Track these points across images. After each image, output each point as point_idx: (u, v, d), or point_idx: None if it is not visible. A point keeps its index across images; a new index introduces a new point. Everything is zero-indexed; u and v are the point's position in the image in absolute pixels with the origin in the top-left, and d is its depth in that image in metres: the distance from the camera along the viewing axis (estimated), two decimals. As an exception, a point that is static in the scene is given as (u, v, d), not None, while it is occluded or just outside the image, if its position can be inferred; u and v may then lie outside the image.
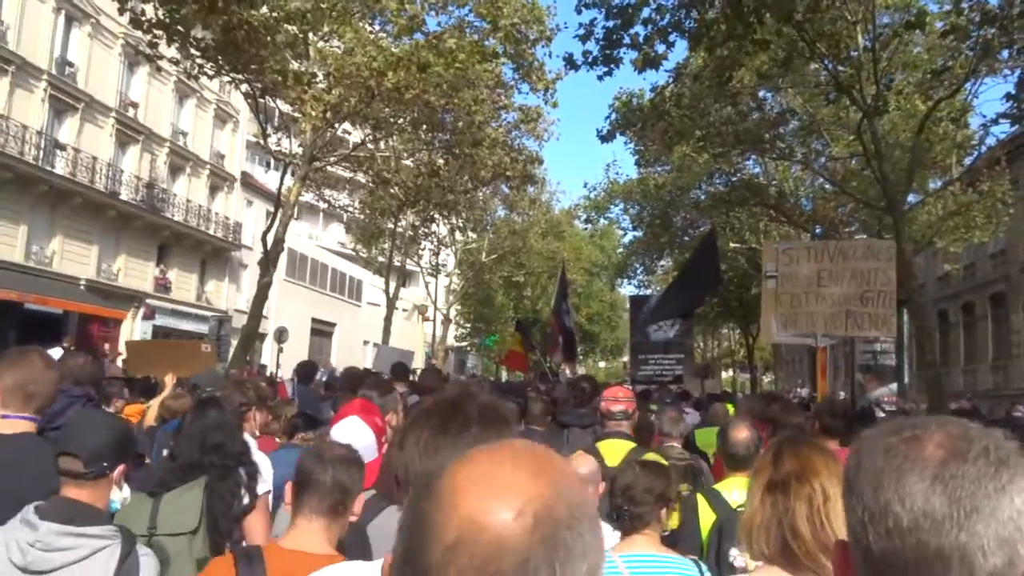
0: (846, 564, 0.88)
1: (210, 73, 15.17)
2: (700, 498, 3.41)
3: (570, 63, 9.36)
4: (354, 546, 2.14)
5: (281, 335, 23.88)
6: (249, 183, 33.88)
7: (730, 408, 9.49)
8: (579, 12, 8.78)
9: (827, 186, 21.37)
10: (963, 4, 11.50)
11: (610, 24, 8.74)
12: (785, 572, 1.72)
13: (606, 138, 15.15)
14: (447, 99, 13.74)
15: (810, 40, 12.77)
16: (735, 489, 3.39)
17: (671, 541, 3.24)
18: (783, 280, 7.76)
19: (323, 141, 17.39)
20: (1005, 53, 14.99)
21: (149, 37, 13.62)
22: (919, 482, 0.80)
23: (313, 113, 14.73)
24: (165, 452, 3.60)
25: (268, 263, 16.24)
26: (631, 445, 4.20)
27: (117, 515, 2.67)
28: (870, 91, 13.58)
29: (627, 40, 9.33)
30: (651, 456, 4.07)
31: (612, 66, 9.34)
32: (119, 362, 13.32)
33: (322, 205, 31.05)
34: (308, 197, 31.59)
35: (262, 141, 16.35)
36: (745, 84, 15.57)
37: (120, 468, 2.24)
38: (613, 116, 15.08)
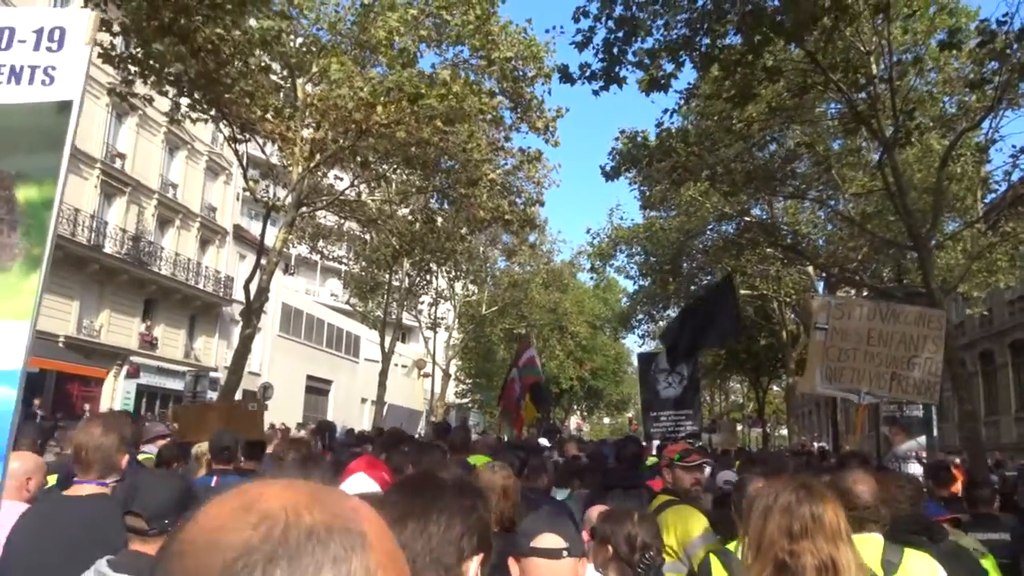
0: None
1: (192, 116, 14.47)
2: (713, 559, 3.15)
3: (565, 76, 8.45)
4: None
5: (266, 391, 22.62)
6: (242, 236, 33.06)
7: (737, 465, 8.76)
8: (576, 20, 7.90)
9: (841, 228, 20.48)
10: (992, 26, 10.72)
11: (611, 36, 7.85)
12: None
13: (610, 175, 14.28)
14: (441, 135, 12.85)
15: (823, 68, 12.04)
16: None
17: None
18: (832, 333, 7.76)
19: (311, 186, 16.54)
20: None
21: (123, 75, 12.94)
22: None
23: (298, 153, 13.90)
24: None
25: (250, 314, 15.15)
26: (663, 499, 4.24)
27: None
28: (887, 122, 12.81)
29: (631, 56, 8.46)
30: (676, 509, 4.07)
31: (613, 84, 8.43)
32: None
33: (315, 258, 30.15)
34: (303, 250, 30.74)
35: (244, 182, 15.45)
36: (756, 118, 14.77)
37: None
38: (616, 153, 14.21)
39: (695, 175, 15.37)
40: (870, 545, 2.85)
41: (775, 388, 42.14)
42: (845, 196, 19.28)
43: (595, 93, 8.35)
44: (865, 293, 26.36)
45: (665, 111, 13.44)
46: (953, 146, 13.77)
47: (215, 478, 4.90)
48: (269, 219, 16.43)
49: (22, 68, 3.04)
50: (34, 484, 3.51)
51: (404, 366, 47.50)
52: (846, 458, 7.71)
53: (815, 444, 29.51)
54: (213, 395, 20.67)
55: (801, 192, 17.69)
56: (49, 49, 3.06)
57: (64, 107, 2.99)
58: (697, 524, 3.95)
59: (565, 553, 2.16)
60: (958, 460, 13.39)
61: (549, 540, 2.17)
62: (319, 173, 17.31)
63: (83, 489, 2.77)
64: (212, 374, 26.08)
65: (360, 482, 3.71)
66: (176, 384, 27.20)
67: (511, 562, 2.27)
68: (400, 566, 0.64)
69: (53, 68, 3.03)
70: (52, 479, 3.55)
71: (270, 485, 0.63)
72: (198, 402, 19.93)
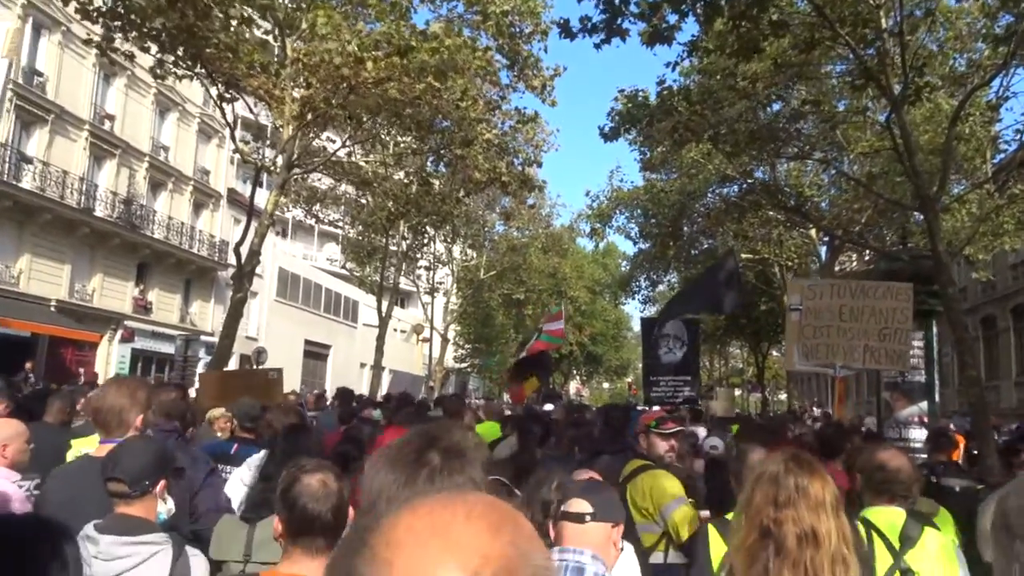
0: None
1: (177, 73, 14.02)
2: (711, 528, 3.19)
3: (565, 31, 8.04)
4: None
5: (260, 355, 22.37)
6: (236, 200, 32.56)
7: (734, 430, 9.09)
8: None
9: (845, 190, 20.07)
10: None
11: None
12: None
13: (609, 136, 13.83)
14: (434, 92, 12.39)
15: (831, 23, 11.57)
16: None
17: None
18: (806, 313, 8.26)
19: (303, 148, 16.11)
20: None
21: (103, 31, 12.49)
22: None
23: (288, 112, 13.45)
24: (248, 471, 4.09)
25: (242, 277, 14.86)
26: (637, 463, 4.42)
27: (214, 538, 2.90)
28: (895, 80, 12.38)
29: (634, 7, 8.02)
30: (651, 473, 4.24)
31: (615, 36, 8.02)
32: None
33: (311, 222, 29.76)
34: (298, 214, 30.34)
35: (232, 142, 15.03)
36: (760, 75, 14.30)
37: (161, 484, 2.59)
38: (616, 114, 13.74)
39: (697, 135, 14.92)
40: (892, 518, 2.90)
41: (775, 353, 41.94)
42: (850, 157, 18.86)
43: (596, 47, 7.93)
44: (867, 256, 26.04)
45: (667, 64, 13.03)
46: (964, 103, 13.35)
47: (236, 445, 5.12)
48: (262, 181, 16.07)
49: None
50: (11, 451, 3.52)
51: (403, 331, 47.35)
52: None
53: (815, 409, 29.44)
54: (208, 359, 20.45)
55: (806, 153, 17.26)
56: None
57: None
58: (671, 487, 4.15)
59: (588, 518, 2.34)
60: (952, 425, 13.32)
61: (576, 505, 2.38)
62: (311, 134, 16.87)
63: (105, 449, 2.89)
64: (207, 338, 25.80)
65: None
66: (171, 348, 26.94)
67: (549, 525, 2.53)
68: None
69: None
70: (95, 442, 3.59)
71: (477, 530, 0.58)
72: (186, 367, 19.72)
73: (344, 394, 11.36)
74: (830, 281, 13.83)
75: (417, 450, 1.41)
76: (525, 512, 2.89)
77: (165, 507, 2.86)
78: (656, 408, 10.73)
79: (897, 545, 2.77)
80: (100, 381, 19.60)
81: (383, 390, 21.72)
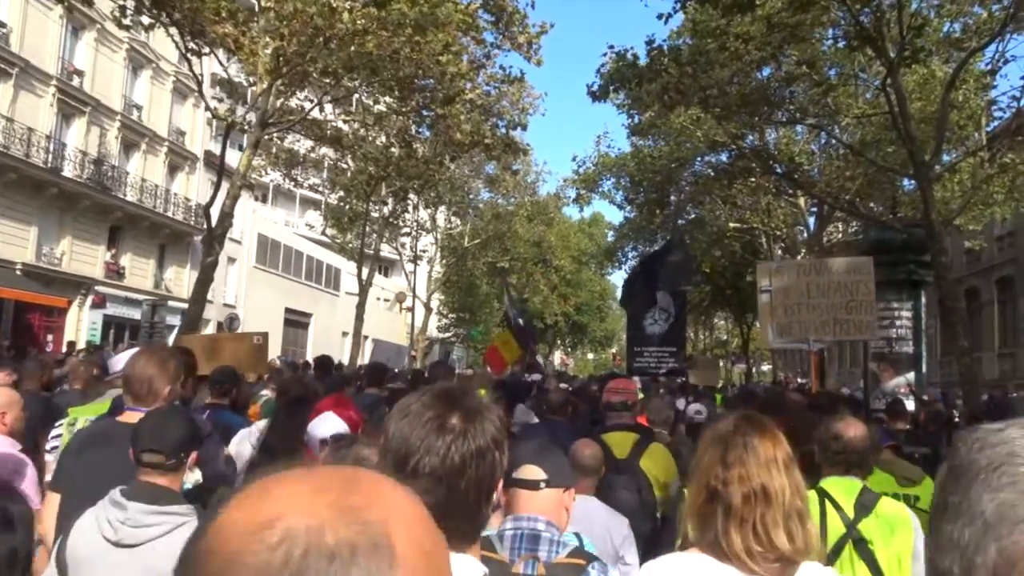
0: None
1: (143, 22, 13.32)
2: (687, 493, 2.97)
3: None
4: None
5: (232, 322, 21.80)
6: (213, 163, 31.63)
7: (719, 399, 9.53)
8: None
9: (836, 157, 19.68)
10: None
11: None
12: (709, 556, 1.78)
13: (598, 96, 13.34)
14: (413, 46, 11.78)
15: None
16: None
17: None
18: (776, 293, 8.68)
19: (278, 105, 15.44)
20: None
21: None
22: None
23: (261, 68, 12.79)
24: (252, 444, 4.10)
25: (212, 240, 14.32)
26: (635, 436, 4.22)
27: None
28: (891, 43, 11.97)
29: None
30: (656, 447, 4.19)
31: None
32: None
33: (289, 186, 29.03)
34: (278, 178, 29.57)
35: (201, 97, 14.37)
36: (753, 35, 13.79)
37: (193, 456, 2.64)
38: (606, 69, 13.21)
39: (687, 97, 14.46)
40: (848, 489, 2.94)
41: (759, 325, 41.88)
42: (841, 125, 18.45)
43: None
44: (853, 227, 25.77)
45: (659, 16, 12.49)
46: (961, 67, 12.97)
47: (207, 412, 5.12)
48: (241, 145, 15.41)
49: None
50: (10, 418, 3.65)
51: (386, 300, 46.83)
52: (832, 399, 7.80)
53: (798, 380, 29.36)
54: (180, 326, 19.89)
55: (797, 118, 16.82)
56: None
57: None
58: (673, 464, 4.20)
59: (543, 484, 2.27)
60: (925, 397, 13.20)
61: (528, 472, 2.29)
62: (288, 92, 16.22)
63: (133, 417, 2.96)
64: (181, 304, 25.16)
65: (328, 421, 3.77)
66: (145, 315, 26.34)
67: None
68: (436, 565, 0.59)
69: None
70: (105, 407, 3.68)
71: (298, 489, 0.57)
72: (153, 333, 19.16)
73: (322, 363, 9.88)
74: (795, 261, 14.18)
75: (439, 416, 1.42)
76: None
77: (192, 477, 2.91)
78: (636, 379, 10.52)
79: (851, 514, 2.81)
80: (77, 348, 19.00)
81: (364, 359, 21.34)
